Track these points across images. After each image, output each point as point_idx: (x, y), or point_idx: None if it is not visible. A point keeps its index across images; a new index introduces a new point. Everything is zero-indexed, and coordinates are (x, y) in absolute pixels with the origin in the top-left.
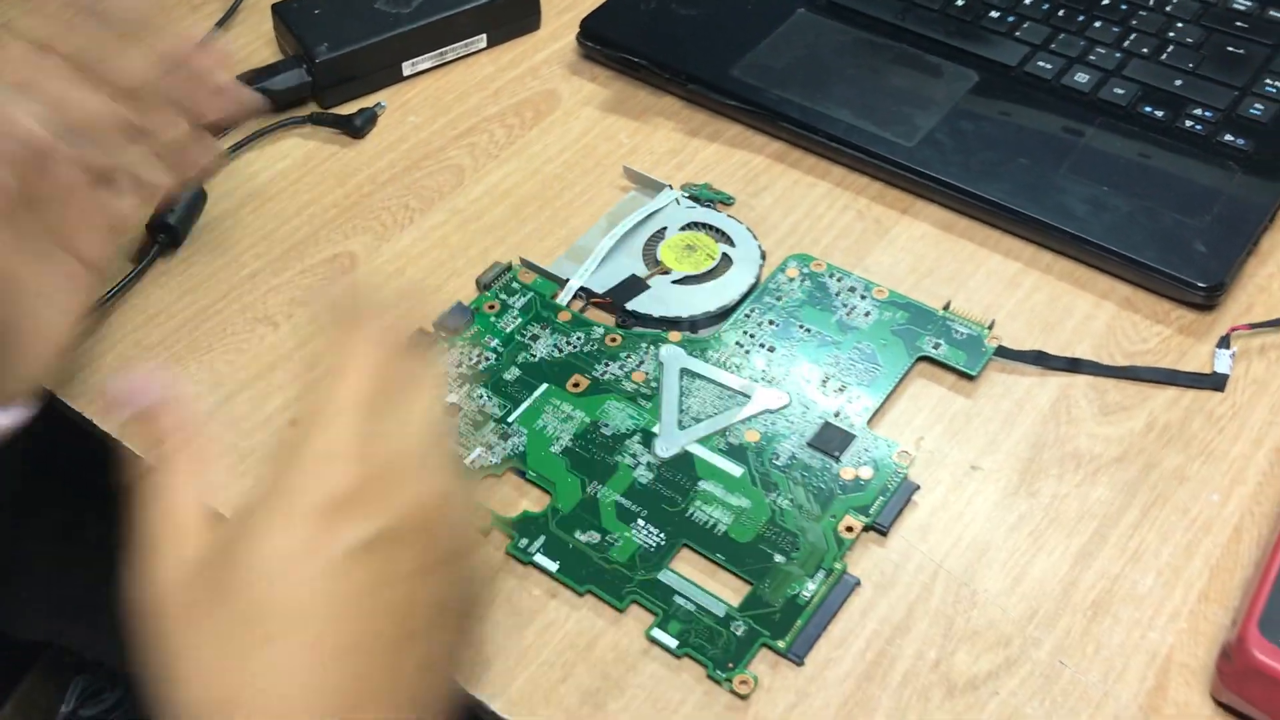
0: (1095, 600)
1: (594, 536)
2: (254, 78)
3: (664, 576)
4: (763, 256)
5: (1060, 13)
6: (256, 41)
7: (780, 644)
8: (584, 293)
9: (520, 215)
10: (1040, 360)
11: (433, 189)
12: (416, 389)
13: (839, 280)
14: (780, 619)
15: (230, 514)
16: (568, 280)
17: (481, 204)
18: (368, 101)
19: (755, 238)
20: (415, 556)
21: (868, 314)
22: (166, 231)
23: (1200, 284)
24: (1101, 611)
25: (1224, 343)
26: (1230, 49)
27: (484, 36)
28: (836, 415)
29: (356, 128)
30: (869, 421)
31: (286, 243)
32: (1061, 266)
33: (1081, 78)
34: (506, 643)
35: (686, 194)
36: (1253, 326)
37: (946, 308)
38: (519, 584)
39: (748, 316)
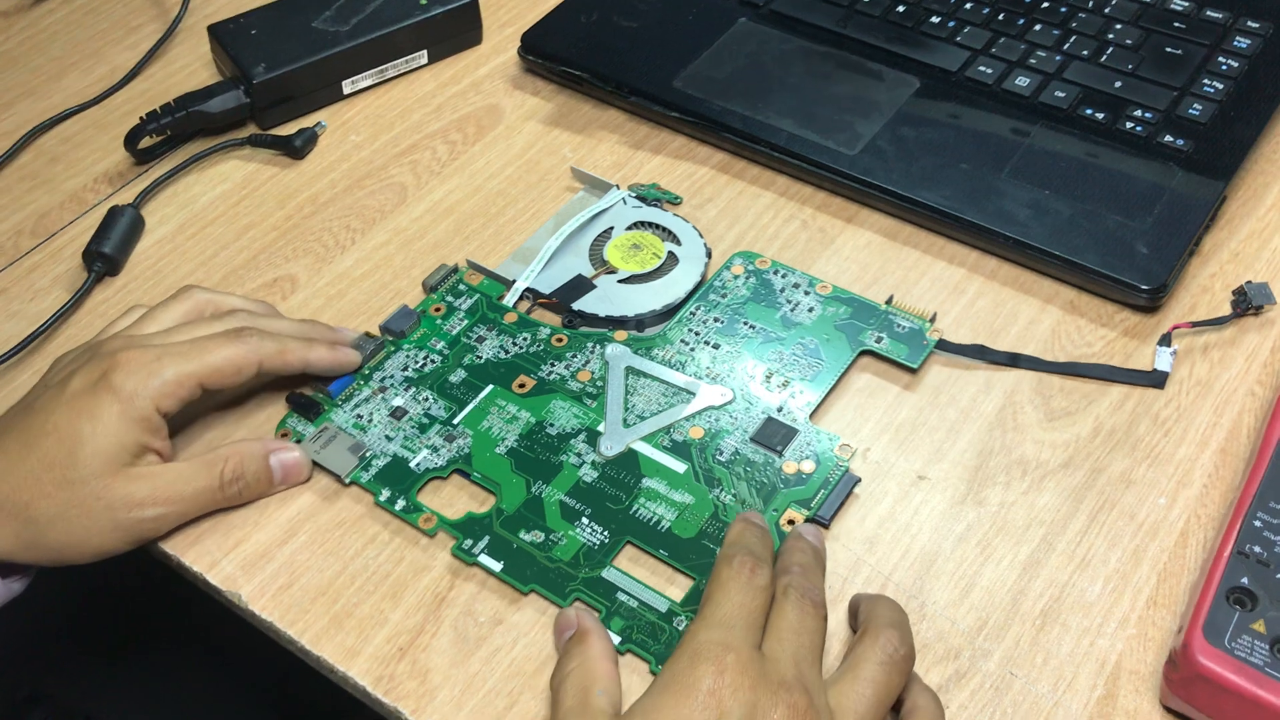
0: (1044, 609)
1: (538, 536)
2: (191, 100)
3: (607, 574)
4: (708, 254)
5: (1000, 17)
6: (195, 63)
7: None
8: (530, 293)
9: (464, 232)
10: (981, 354)
11: (374, 208)
12: None
13: (783, 277)
14: None
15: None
16: (514, 281)
17: (424, 222)
18: (308, 121)
19: (701, 236)
20: None
21: (811, 310)
22: (103, 260)
23: (1143, 286)
24: (1050, 620)
25: (1165, 340)
26: (1169, 49)
27: (425, 53)
28: (780, 410)
29: (296, 148)
30: (811, 416)
31: (226, 267)
32: (1006, 271)
33: (1022, 81)
34: (452, 672)
35: (633, 194)
36: (1194, 325)
37: (889, 302)
38: (463, 614)
39: (693, 314)
